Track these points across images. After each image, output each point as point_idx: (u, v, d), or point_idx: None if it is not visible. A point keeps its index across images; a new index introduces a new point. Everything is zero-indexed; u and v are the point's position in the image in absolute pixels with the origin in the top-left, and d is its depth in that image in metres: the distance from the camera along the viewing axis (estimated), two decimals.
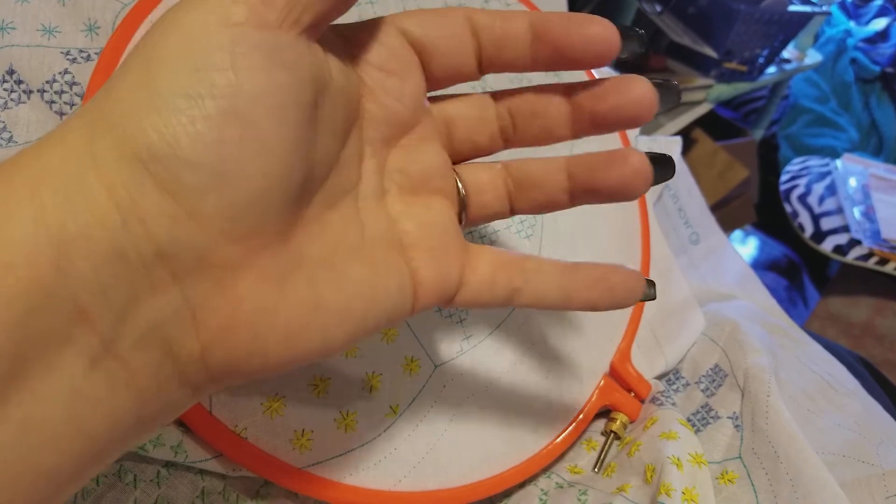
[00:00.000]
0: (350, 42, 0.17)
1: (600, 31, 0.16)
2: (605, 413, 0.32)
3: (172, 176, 0.12)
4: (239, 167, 0.12)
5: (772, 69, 1.16)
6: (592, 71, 0.36)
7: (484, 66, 0.18)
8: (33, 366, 0.11)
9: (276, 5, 0.13)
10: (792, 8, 0.98)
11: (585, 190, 0.18)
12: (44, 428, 0.11)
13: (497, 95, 0.19)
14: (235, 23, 0.12)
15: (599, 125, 0.17)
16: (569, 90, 0.18)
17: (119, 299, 0.12)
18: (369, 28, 0.17)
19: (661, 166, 0.18)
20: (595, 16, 0.16)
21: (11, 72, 0.22)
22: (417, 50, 0.17)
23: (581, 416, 0.30)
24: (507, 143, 0.19)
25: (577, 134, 0.18)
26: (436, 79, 0.18)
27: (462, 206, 0.19)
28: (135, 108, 0.12)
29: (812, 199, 1.12)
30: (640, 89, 0.17)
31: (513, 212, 0.20)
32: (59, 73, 0.22)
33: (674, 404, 0.31)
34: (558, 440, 0.29)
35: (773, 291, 0.46)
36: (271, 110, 0.13)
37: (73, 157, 0.12)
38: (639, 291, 0.19)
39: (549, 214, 0.31)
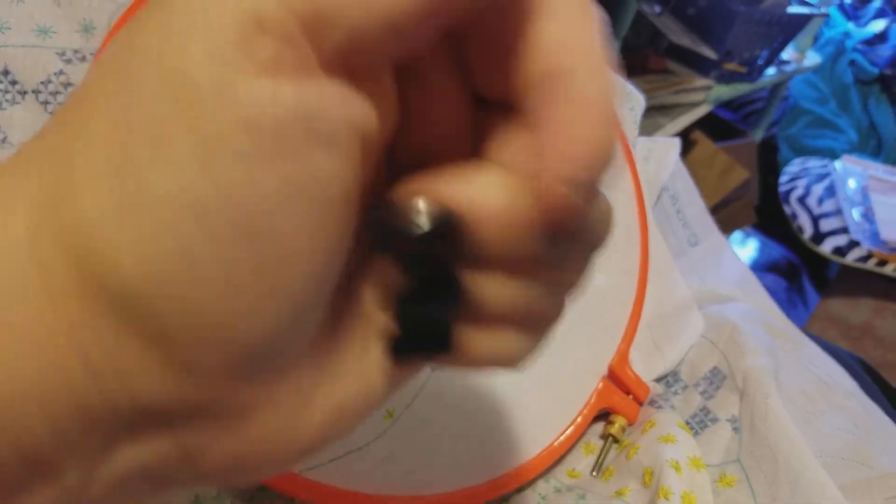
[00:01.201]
0: None
1: None
2: (603, 416, 0.32)
3: (157, 323, 0.08)
4: (253, 306, 0.09)
5: (771, 70, 1.16)
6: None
7: None
8: None
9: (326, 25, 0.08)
10: (791, 9, 0.98)
11: None
12: None
13: None
14: (261, 66, 0.08)
15: None
16: None
17: (89, 451, 0.09)
18: None
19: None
20: None
21: (6, 72, 0.22)
22: None
23: (579, 419, 0.30)
24: None
25: None
26: None
27: None
28: (102, 214, 0.08)
29: (811, 201, 1.12)
30: None
31: None
32: (54, 73, 0.22)
33: (672, 407, 0.31)
34: (556, 444, 0.28)
35: (773, 293, 0.46)
36: (301, 216, 0.09)
37: (13, 272, 0.08)
38: None
39: None
